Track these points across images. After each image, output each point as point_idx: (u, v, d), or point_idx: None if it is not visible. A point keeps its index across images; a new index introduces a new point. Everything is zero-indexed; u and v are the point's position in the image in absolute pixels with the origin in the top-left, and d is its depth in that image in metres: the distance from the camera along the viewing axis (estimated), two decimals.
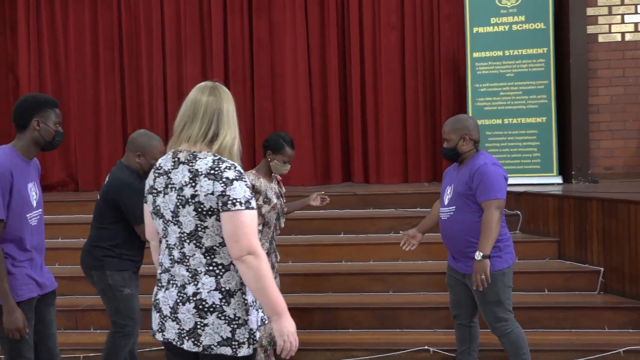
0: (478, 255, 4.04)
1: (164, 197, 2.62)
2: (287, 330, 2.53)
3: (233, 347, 2.56)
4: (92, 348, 5.11)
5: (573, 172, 7.06)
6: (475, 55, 7.32)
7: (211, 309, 2.54)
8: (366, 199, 6.51)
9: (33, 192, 3.46)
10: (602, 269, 5.44)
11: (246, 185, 2.57)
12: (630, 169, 7.22)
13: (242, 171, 2.61)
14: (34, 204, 3.46)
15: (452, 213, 4.24)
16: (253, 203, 2.58)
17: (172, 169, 2.62)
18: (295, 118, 8.13)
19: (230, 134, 2.67)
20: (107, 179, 4.29)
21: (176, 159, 2.62)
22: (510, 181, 6.79)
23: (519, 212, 6.28)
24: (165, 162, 2.67)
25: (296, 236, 6.32)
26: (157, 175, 2.68)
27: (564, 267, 5.68)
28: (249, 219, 2.52)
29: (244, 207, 2.52)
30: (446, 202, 4.31)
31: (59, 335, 3.89)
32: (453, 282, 4.43)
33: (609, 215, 5.40)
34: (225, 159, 2.60)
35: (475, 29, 7.34)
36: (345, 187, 7.63)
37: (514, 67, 7.23)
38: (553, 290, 5.51)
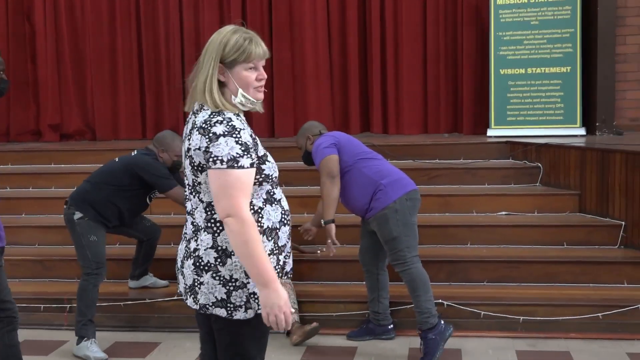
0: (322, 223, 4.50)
1: None
2: (272, 302, 2.35)
3: (228, 309, 2.45)
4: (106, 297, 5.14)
5: (597, 124, 6.87)
6: (499, 2, 7.10)
7: (206, 268, 2.44)
8: (383, 150, 6.38)
9: None
10: (623, 223, 5.30)
11: (236, 142, 2.36)
12: None
13: (237, 126, 2.40)
14: None
15: None
16: (242, 161, 2.36)
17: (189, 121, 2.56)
18: (313, 68, 7.99)
19: (201, 77, 2.47)
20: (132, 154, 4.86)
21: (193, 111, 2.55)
22: (532, 132, 6.83)
23: (539, 165, 6.14)
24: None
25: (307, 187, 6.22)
26: None
27: (585, 221, 5.55)
28: (232, 178, 2.34)
29: (225, 166, 2.34)
30: None
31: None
32: (362, 232, 4.65)
33: (632, 168, 5.23)
34: (225, 112, 2.44)
35: None
36: (363, 138, 7.48)
37: (538, 14, 7.01)
38: (573, 244, 5.39)
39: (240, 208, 2.34)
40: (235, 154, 2.35)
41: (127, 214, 4.77)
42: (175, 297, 5.04)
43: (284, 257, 2.57)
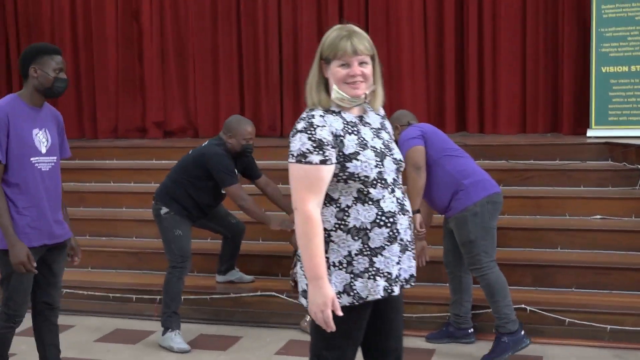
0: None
1: None
2: (314, 299, 2.45)
3: (307, 300, 2.55)
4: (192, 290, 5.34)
5: None
6: None
7: (298, 257, 2.59)
8: (476, 150, 6.28)
9: (42, 137, 3.55)
10: None
11: (308, 138, 2.47)
12: None
13: (316, 123, 2.49)
14: (43, 150, 3.54)
15: None
16: (311, 157, 2.46)
17: None
18: (409, 64, 7.96)
19: (309, 74, 2.66)
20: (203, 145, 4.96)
21: None
22: (634, 133, 6.52)
23: (639, 167, 5.87)
24: None
25: None
26: None
27: None
28: (299, 173, 2.49)
29: (294, 160, 2.49)
30: None
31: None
32: (444, 229, 4.60)
33: None
34: (316, 109, 2.57)
35: None
36: (458, 137, 7.40)
37: None
38: None
39: (303, 202, 2.47)
40: (305, 150, 2.47)
41: (205, 205, 4.88)
42: (260, 293, 5.18)
43: (382, 261, 2.55)
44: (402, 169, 2.66)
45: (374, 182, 2.54)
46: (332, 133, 2.51)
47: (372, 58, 2.61)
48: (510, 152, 6.52)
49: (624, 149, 6.09)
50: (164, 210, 4.78)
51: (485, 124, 7.80)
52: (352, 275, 2.54)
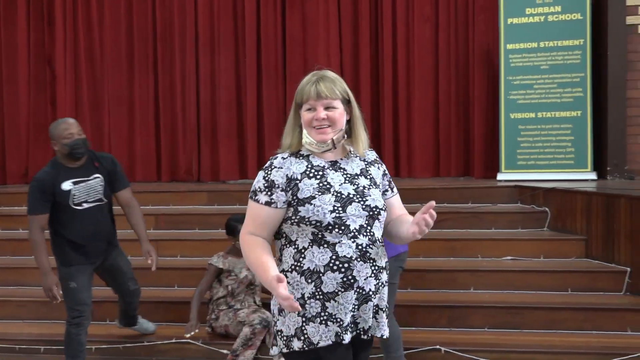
0: None
1: None
2: (275, 294, 2.42)
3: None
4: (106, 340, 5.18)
5: (608, 168, 6.82)
6: (509, 47, 7.14)
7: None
8: None
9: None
10: (628, 269, 5.22)
11: (263, 177, 2.59)
12: None
13: (275, 164, 2.60)
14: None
15: None
16: (259, 196, 2.58)
17: None
18: None
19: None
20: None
21: None
22: (542, 177, 6.78)
23: (546, 209, 6.08)
24: None
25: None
26: None
27: (590, 267, 5.48)
28: (249, 206, 2.62)
29: (250, 195, 2.63)
30: None
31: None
32: None
33: (638, 214, 5.17)
34: (284, 153, 2.66)
35: (509, 20, 7.15)
36: None
37: (549, 59, 7.03)
38: (577, 290, 5.31)
39: (243, 232, 2.63)
40: (257, 187, 2.60)
41: (78, 237, 4.38)
42: (175, 340, 5.06)
43: (335, 307, 2.52)
44: (378, 216, 2.58)
45: (329, 227, 2.51)
46: (286, 176, 2.56)
47: (346, 102, 2.63)
48: (425, 195, 6.61)
49: (533, 191, 6.31)
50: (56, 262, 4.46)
51: (401, 169, 7.96)
52: (303, 319, 2.54)
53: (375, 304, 2.61)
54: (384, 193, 2.70)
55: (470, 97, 7.75)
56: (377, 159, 2.77)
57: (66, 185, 4.30)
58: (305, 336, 2.54)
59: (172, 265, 5.88)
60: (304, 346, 2.54)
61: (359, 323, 2.60)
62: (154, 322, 5.31)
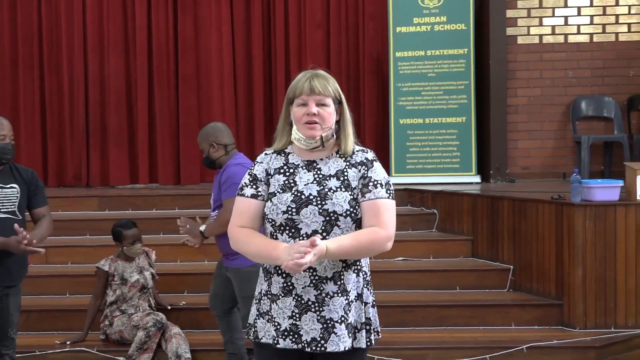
0: (202, 227, 4.42)
1: None
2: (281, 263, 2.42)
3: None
4: None
5: (491, 172, 7.18)
6: (398, 54, 7.37)
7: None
8: None
9: None
10: (512, 267, 5.54)
11: (248, 172, 2.68)
12: (546, 168, 7.40)
13: (258, 159, 2.70)
14: None
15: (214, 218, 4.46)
16: (245, 190, 2.64)
17: None
18: (220, 115, 8.02)
19: None
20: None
21: None
22: (429, 180, 7.04)
23: (435, 211, 6.35)
24: None
25: None
26: None
27: (476, 266, 5.77)
28: (236, 203, 2.67)
29: (236, 192, 2.69)
30: (212, 208, 4.52)
31: None
32: (216, 274, 4.68)
33: (519, 215, 5.49)
34: (269, 149, 2.72)
35: (398, 29, 7.38)
36: None
37: (435, 67, 7.30)
38: (465, 288, 5.58)
39: (232, 226, 2.63)
40: (242, 183, 2.66)
41: None
42: (68, 349, 4.93)
43: (276, 310, 2.55)
44: (337, 222, 2.50)
45: (281, 227, 2.53)
46: (265, 170, 2.63)
47: (337, 102, 2.63)
48: None
49: (421, 194, 6.56)
50: None
51: None
52: (257, 313, 2.63)
53: (322, 315, 2.52)
54: (358, 196, 2.57)
55: (360, 103, 7.95)
56: (368, 160, 2.62)
57: None
58: (255, 329, 2.64)
59: (63, 272, 5.74)
60: (253, 337, 2.65)
61: (302, 335, 2.53)
62: (43, 332, 5.18)
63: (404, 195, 6.72)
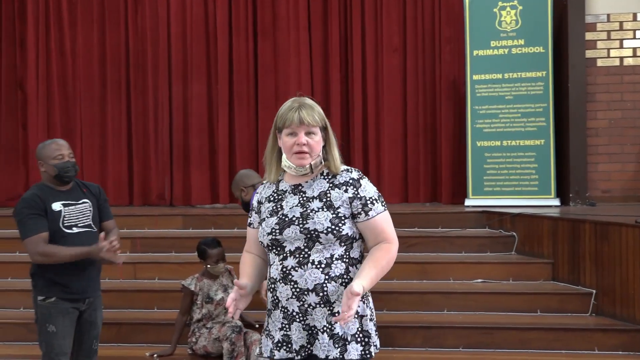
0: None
1: None
2: None
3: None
4: None
5: (571, 195, 7.12)
6: (475, 77, 7.41)
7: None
8: None
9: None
10: (594, 291, 5.47)
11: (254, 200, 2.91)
12: (628, 192, 7.27)
13: (257, 191, 2.91)
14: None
15: None
16: (250, 219, 2.91)
17: None
18: None
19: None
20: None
21: None
22: (507, 202, 7.03)
23: (514, 234, 6.33)
24: None
25: None
26: None
27: (557, 289, 5.72)
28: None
29: None
30: None
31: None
32: None
33: (601, 238, 5.44)
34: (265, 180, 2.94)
35: (475, 52, 7.44)
36: None
37: (513, 89, 7.32)
38: (546, 311, 5.54)
39: (244, 250, 2.94)
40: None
41: (57, 270, 3.99)
42: None
43: (271, 323, 2.77)
44: (318, 239, 2.63)
45: (269, 247, 2.73)
46: (258, 201, 2.86)
47: (323, 129, 2.75)
48: (396, 220, 6.76)
49: (500, 217, 6.55)
50: (38, 296, 4.04)
51: None
52: (263, 330, 2.83)
53: (306, 323, 2.67)
54: (355, 216, 2.70)
55: (437, 126, 8.01)
56: (354, 180, 2.73)
57: (56, 205, 4.01)
58: (261, 345, 2.84)
59: (151, 287, 5.97)
60: (262, 352, 2.82)
61: (292, 344, 2.69)
62: (134, 344, 5.40)
63: (481, 218, 6.74)
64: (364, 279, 2.57)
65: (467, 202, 7.31)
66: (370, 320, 2.74)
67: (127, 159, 8.50)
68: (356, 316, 2.67)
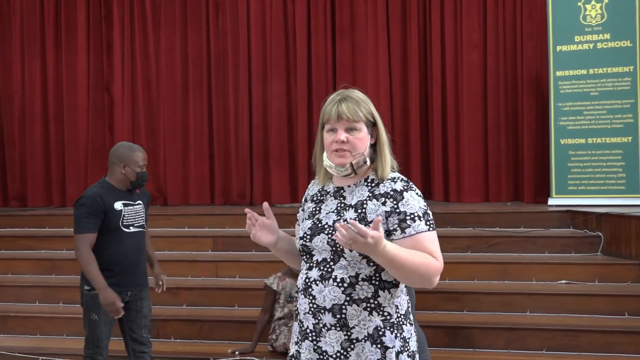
0: None
1: None
2: None
3: None
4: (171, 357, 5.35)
5: None
6: (559, 73, 7.23)
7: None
8: (444, 218, 6.52)
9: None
10: None
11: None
12: None
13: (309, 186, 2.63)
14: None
15: None
16: (298, 214, 2.60)
17: None
18: None
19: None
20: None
21: None
22: (592, 202, 6.84)
23: (600, 234, 6.15)
24: None
25: None
26: None
27: None
28: None
29: None
30: None
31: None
32: None
33: None
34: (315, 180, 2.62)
35: (558, 47, 7.25)
36: None
37: (598, 85, 7.10)
38: (634, 314, 5.35)
39: None
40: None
41: (112, 263, 4.15)
42: (239, 358, 5.21)
43: (297, 326, 2.46)
44: (342, 253, 2.32)
45: (301, 253, 2.45)
46: (304, 198, 2.59)
47: (371, 125, 2.41)
48: (476, 219, 6.75)
49: (585, 216, 6.38)
50: (85, 286, 4.20)
51: (450, 193, 8.08)
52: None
53: (318, 346, 2.37)
54: (391, 233, 2.32)
55: (519, 123, 7.86)
56: (396, 192, 2.35)
57: (118, 205, 4.16)
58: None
59: (232, 285, 6.07)
60: None
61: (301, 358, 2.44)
62: (215, 340, 5.51)
63: (565, 217, 6.57)
64: (392, 246, 2.19)
65: (551, 202, 7.14)
66: (400, 353, 2.36)
67: (209, 158, 8.68)
68: (379, 346, 2.32)
